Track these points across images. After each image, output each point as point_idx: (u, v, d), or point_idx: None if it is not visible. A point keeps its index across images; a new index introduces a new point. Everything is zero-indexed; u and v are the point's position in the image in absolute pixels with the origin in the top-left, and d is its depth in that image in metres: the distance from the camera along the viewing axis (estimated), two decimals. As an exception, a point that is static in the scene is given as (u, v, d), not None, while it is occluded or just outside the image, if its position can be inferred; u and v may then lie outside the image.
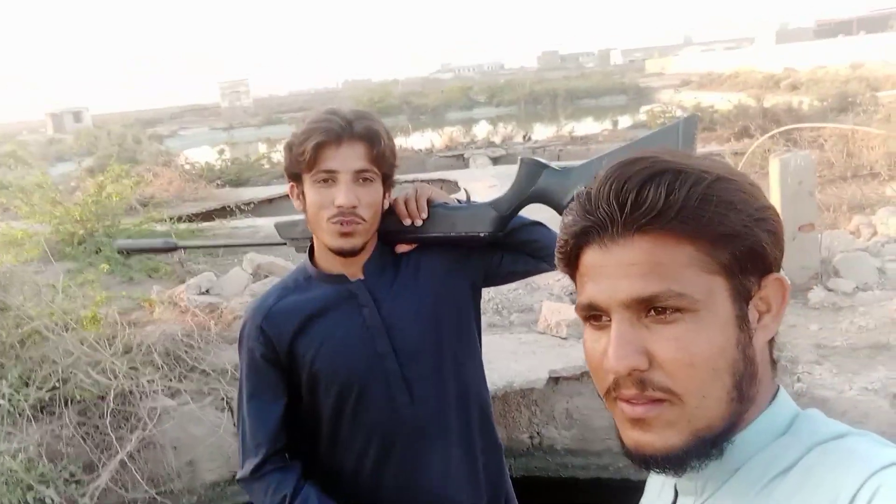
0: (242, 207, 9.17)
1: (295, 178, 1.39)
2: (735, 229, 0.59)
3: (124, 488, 3.33)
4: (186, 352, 3.90)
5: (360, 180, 1.34)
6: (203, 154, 15.16)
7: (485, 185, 9.80)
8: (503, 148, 14.07)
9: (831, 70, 22.40)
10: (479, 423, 1.52)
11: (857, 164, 7.28)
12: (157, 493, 3.36)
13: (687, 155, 0.63)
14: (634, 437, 0.62)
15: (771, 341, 0.65)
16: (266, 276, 5.02)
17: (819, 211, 5.30)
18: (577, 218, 0.64)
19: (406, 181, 9.85)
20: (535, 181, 1.36)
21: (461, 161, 13.43)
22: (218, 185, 11.26)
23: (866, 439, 0.60)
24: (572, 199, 0.66)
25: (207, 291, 4.84)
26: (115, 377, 3.53)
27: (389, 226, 1.43)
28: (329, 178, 1.33)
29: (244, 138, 23.95)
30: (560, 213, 1.26)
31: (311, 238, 1.47)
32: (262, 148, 15.42)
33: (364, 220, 1.35)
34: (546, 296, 4.31)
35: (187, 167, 12.58)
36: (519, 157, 1.39)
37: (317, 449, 1.47)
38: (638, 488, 0.81)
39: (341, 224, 1.33)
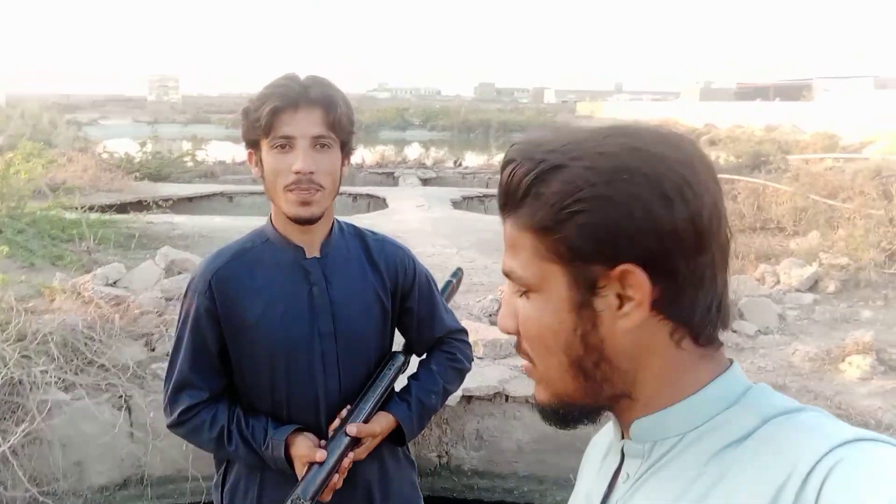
0: (160, 203, 8.83)
1: (252, 144, 1.38)
2: (543, 223, 0.61)
3: (3, 486, 3.11)
4: (86, 344, 3.70)
5: (318, 146, 1.33)
6: (124, 145, 14.54)
7: (413, 204, 9.80)
8: (434, 171, 14.17)
9: (748, 130, 23.67)
10: None
11: (766, 217, 7.69)
12: (39, 493, 3.14)
13: (559, 134, 0.64)
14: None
15: (686, 323, 0.62)
16: (179, 273, 4.83)
17: (729, 257, 5.56)
18: None
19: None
20: None
21: (391, 179, 13.43)
22: (136, 177, 10.80)
23: (822, 415, 0.60)
24: None
25: (115, 283, 4.62)
26: (5, 365, 3.31)
27: None
28: (286, 144, 1.32)
29: (169, 134, 23.14)
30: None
31: None
32: (187, 146, 14.92)
33: (322, 186, 1.34)
34: (465, 315, 4.32)
35: (105, 156, 12.04)
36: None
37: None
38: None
39: (299, 191, 1.32)
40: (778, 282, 5.38)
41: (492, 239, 7.52)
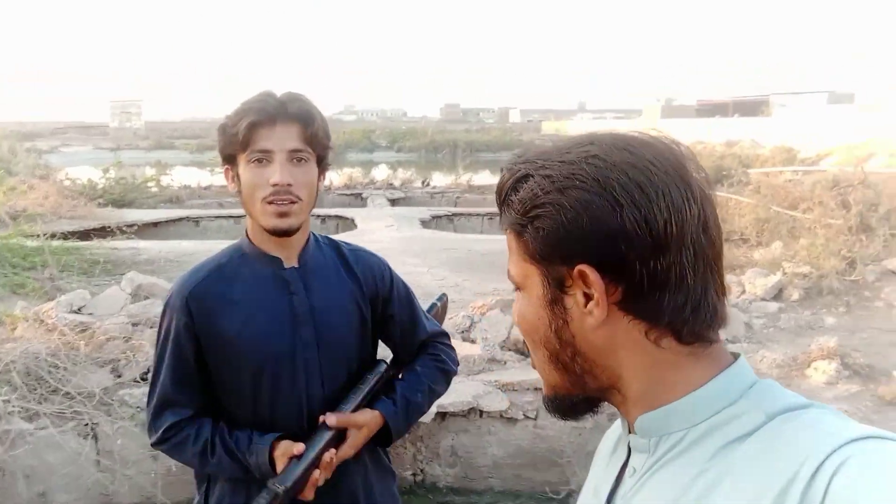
0: (124, 229, 8.70)
1: (229, 159, 1.40)
2: (513, 226, 0.68)
3: (-37, 519, 3.00)
4: (50, 372, 3.61)
5: (295, 160, 1.35)
6: (86, 172, 14.30)
7: (382, 224, 9.80)
8: (402, 191, 14.20)
9: (709, 146, 24.10)
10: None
11: (730, 229, 7.83)
12: (0, 526, 3.05)
13: (548, 147, 0.69)
14: None
15: (659, 323, 0.64)
16: (146, 298, 4.75)
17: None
18: None
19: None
20: None
21: (359, 200, 13.42)
22: (100, 204, 10.63)
23: (830, 412, 0.60)
24: None
25: (80, 310, 4.52)
26: (-35, 396, 3.21)
27: None
28: (264, 158, 1.34)
29: (132, 160, 22.85)
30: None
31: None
32: (151, 171, 14.74)
33: (300, 198, 1.36)
34: (438, 333, 4.32)
35: (67, 183, 11.84)
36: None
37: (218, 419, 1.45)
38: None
39: (277, 203, 1.33)
40: (743, 291, 5.47)
41: (462, 257, 7.54)
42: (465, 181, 15.27)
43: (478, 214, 11.52)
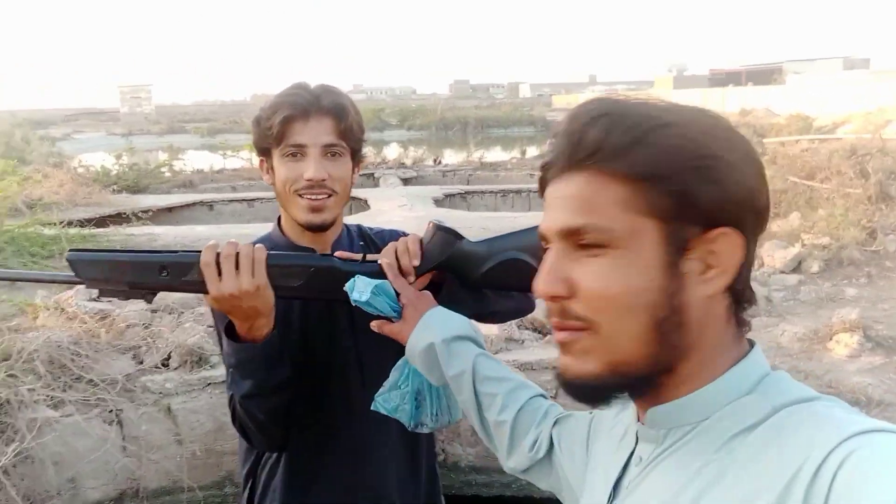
0: (140, 215, 8.75)
1: (264, 152, 1.39)
2: (662, 172, 0.60)
3: (-5, 507, 3.06)
4: (73, 360, 3.65)
5: (329, 155, 1.34)
6: (99, 159, 14.36)
7: (395, 204, 9.78)
8: (414, 170, 14.14)
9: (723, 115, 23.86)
10: None
11: (747, 201, 7.76)
12: (32, 512, 3.10)
13: (646, 101, 0.64)
14: (560, 360, 0.67)
15: (738, 300, 0.65)
16: (165, 284, 4.77)
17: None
18: (545, 151, 0.68)
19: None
20: (448, 251, 1.27)
21: (371, 180, 13.39)
22: (114, 190, 10.68)
23: (837, 405, 0.60)
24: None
25: (99, 298, 4.55)
26: (-9, 385, 3.25)
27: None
28: (298, 153, 1.33)
29: (144, 146, 22.91)
30: (468, 286, 1.25)
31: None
32: (164, 156, 14.77)
33: (335, 191, 1.35)
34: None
35: (81, 170, 11.89)
36: (430, 223, 1.30)
37: None
38: (541, 504, 0.83)
39: (312, 198, 1.32)
40: (762, 264, 5.42)
41: (476, 235, 7.42)
42: (477, 158, 15.19)
43: (491, 192, 11.47)
